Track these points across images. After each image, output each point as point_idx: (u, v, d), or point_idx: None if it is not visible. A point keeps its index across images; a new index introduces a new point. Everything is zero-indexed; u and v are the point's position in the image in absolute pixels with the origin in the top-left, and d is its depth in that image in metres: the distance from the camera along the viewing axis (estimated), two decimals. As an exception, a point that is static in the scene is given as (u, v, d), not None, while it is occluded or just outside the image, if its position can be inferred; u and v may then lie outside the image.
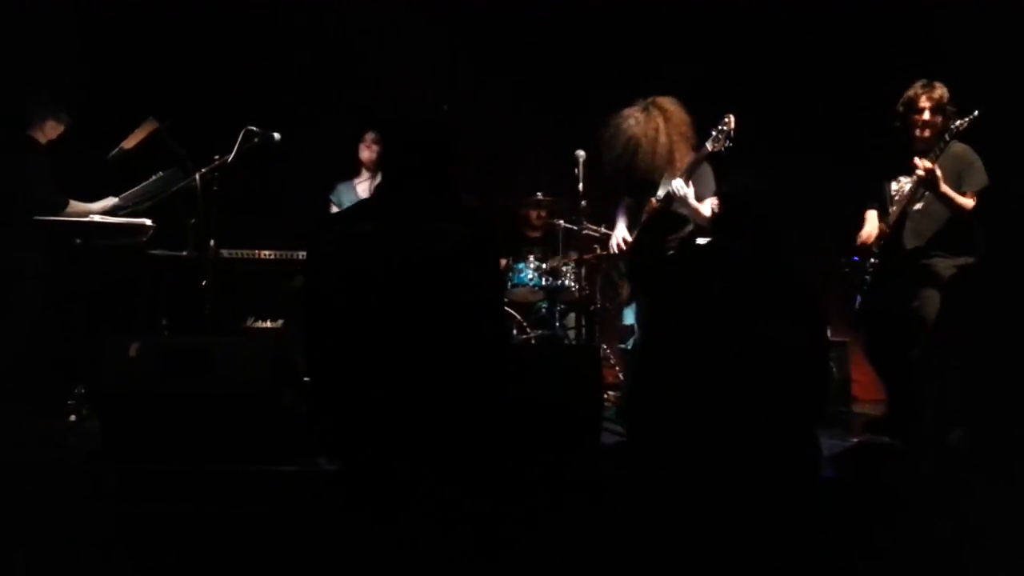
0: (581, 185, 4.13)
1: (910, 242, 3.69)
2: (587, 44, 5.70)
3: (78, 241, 4.17)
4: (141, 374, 3.10)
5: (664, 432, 2.41)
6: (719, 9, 5.57)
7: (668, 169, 4.03)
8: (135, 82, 5.28)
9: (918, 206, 3.70)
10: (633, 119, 4.05)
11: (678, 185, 3.93)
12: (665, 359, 2.39)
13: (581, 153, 4.15)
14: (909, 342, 3.64)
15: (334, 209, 4.81)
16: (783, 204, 2.53)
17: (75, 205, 4.32)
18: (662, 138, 3.99)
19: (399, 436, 2.12)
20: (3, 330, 4.12)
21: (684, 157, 4.00)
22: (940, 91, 3.66)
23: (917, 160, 3.54)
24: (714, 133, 3.97)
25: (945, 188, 3.54)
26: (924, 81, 3.71)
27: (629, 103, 4.22)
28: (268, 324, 4.80)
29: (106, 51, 5.33)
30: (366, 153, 4.85)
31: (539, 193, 5.32)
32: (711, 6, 5.58)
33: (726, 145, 3.94)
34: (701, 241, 4.36)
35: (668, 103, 4.05)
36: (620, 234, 4.22)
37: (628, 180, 4.10)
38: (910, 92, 3.72)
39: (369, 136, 4.82)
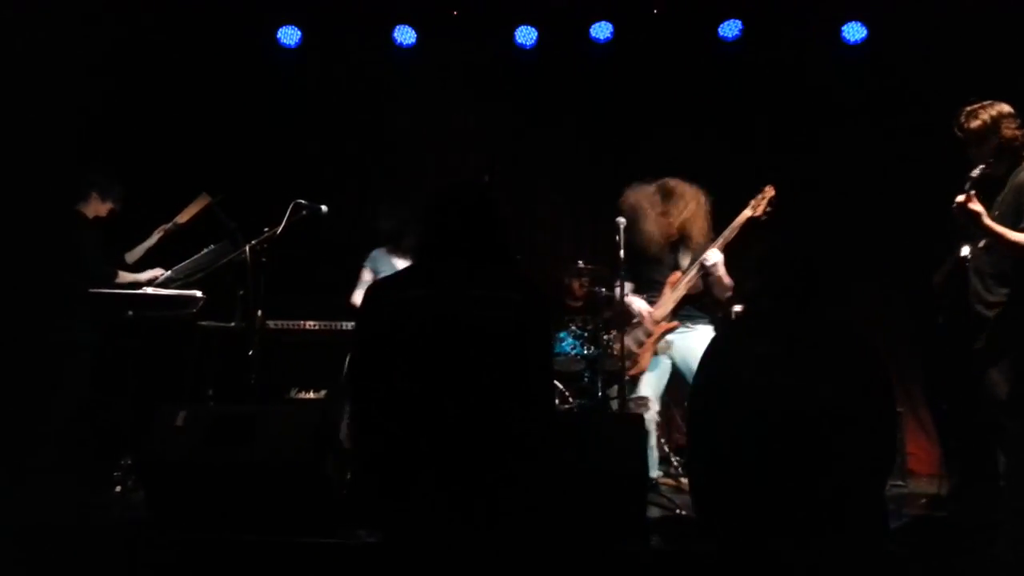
0: (622, 253, 4.14)
1: (974, 282, 3.34)
2: (626, 113, 5.79)
3: (130, 313, 4.26)
4: (187, 443, 3.13)
5: (727, 502, 2.33)
6: (758, 77, 5.64)
7: (682, 244, 4.26)
8: (189, 157, 5.48)
9: (983, 243, 3.33)
10: (634, 193, 4.29)
11: (713, 255, 4.11)
12: (722, 429, 2.32)
13: (622, 221, 4.18)
14: (976, 404, 3.30)
15: (366, 275, 4.74)
16: (826, 265, 2.47)
17: (123, 276, 4.44)
18: (659, 213, 4.22)
19: (444, 508, 2.09)
20: (55, 401, 4.16)
21: (700, 233, 4.20)
22: (984, 114, 3.33)
23: (959, 196, 3.18)
24: (753, 202, 4.20)
25: (989, 223, 3.17)
26: (969, 107, 3.39)
27: (667, 169, 4.36)
28: (311, 395, 4.83)
29: (163, 130, 5.56)
30: None
31: (580, 262, 5.32)
32: (753, 74, 5.66)
33: (767, 211, 4.17)
34: (739, 308, 4.39)
35: (675, 182, 4.27)
36: (643, 306, 4.30)
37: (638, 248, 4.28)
38: (955, 123, 3.41)
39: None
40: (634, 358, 4.27)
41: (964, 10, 5.16)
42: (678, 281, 4.24)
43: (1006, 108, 3.35)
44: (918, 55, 5.38)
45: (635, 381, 4.28)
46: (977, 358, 3.29)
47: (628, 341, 4.29)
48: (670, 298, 4.23)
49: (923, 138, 4.92)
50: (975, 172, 3.24)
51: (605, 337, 4.92)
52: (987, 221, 3.19)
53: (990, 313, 3.27)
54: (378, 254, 4.81)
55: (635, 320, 4.31)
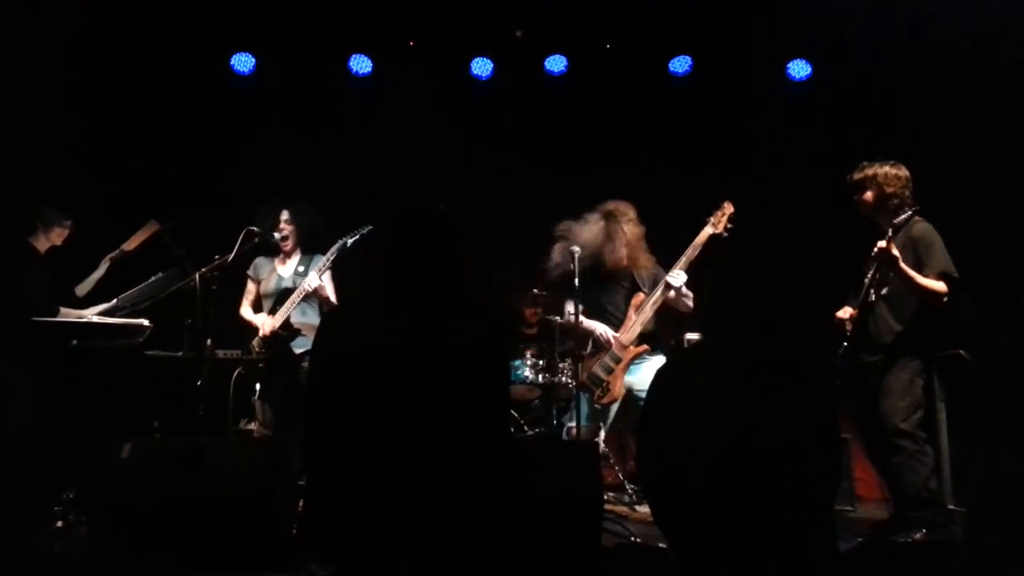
0: (577, 281, 4.16)
1: (874, 327, 3.66)
2: (579, 142, 5.87)
3: (75, 342, 4.15)
4: (133, 476, 3.04)
5: (680, 528, 2.34)
6: (707, 111, 5.78)
7: (633, 266, 4.35)
8: (139, 184, 5.39)
9: (885, 291, 3.65)
10: (591, 224, 4.37)
11: (678, 276, 4.16)
12: (675, 457, 2.33)
13: (577, 249, 4.20)
14: (882, 434, 3.59)
15: (250, 285, 4.54)
16: (778, 292, 2.51)
17: (67, 312, 4.31)
18: (624, 238, 4.33)
19: (398, 538, 2.06)
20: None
21: (643, 255, 4.36)
22: (868, 170, 3.71)
23: (880, 243, 3.52)
24: (712, 218, 4.25)
25: (905, 267, 3.51)
26: (862, 164, 3.76)
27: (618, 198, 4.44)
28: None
29: (113, 156, 5.46)
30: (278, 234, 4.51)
31: (535, 289, 5.35)
32: (702, 107, 5.79)
33: (727, 227, 4.23)
34: (692, 336, 4.43)
35: (624, 206, 4.39)
36: (607, 331, 4.31)
37: (593, 276, 4.38)
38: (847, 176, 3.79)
39: (282, 216, 4.52)
40: (604, 386, 4.25)
41: (903, 49, 5.38)
42: (642, 303, 4.24)
43: (892, 170, 3.70)
44: (859, 92, 5.58)
45: (607, 409, 4.26)
46: (873, 391, 3.60)
47: (597, 369, 4.27)
48: (636, 321, 4.23)
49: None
50: (897, 220, 3.55)
51: (560, 365, 4.93)
52: (903, 265, 3.52)
53: (878, 356, 3.61)
54: (261, 262, 4.57)
55: (598, 346, 4.30)
